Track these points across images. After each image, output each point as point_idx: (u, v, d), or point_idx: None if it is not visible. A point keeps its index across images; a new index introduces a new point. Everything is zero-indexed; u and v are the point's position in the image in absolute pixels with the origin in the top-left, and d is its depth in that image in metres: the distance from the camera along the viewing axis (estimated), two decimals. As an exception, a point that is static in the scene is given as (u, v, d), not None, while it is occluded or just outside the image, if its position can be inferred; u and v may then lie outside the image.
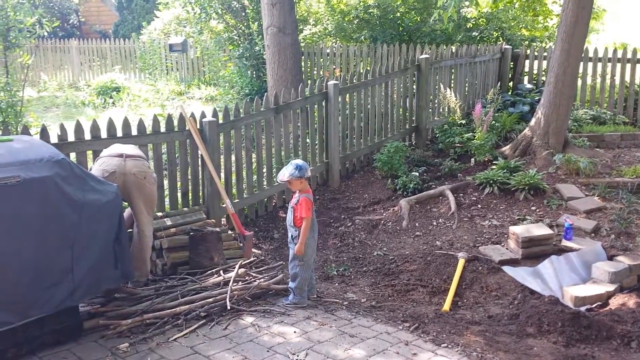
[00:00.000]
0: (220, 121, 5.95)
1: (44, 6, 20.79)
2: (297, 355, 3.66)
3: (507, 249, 5.53)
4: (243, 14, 11.46)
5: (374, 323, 4.17)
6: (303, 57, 11.80)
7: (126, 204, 4.63)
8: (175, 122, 5.71)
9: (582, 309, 4.50)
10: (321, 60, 11.71)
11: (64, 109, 12.68)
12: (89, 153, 5.17)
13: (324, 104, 7.19)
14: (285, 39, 8.73)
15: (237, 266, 4.80)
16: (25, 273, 3.47)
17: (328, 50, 11.66)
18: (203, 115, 5.89)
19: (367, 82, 7.70)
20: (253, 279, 4.72)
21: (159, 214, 5.53)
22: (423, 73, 8.49)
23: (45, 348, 3.69)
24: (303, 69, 11.85)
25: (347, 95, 7.55)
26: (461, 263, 5.19)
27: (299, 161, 4.54)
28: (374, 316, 4.29)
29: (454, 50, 9.22)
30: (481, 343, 3.86)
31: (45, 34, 19.90)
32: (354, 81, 7.54)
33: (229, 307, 4.17)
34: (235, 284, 4.58)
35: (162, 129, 5.58)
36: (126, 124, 5.34)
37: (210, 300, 4.28)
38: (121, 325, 3.90)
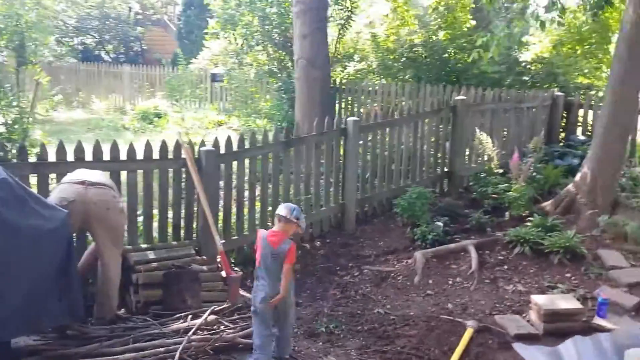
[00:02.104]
0: (222, 151, 5.56)
1: (108, 32, 21.68)
2: None
3: (527, 321, 4.76)
4: (288, 45, 11.23)
5: (345, 398, 3.54)
6: (343, 94, 11.46)
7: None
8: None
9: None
10: (362, 97, 11.27)
11: (106, 131, 12.77)
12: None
13: (342, 141, 6.69)
14: (314, 72, 8.37)
15: (207, 312, 4.30)
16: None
17: (369, 88, 11.23)
18: (202, 143, 5.52)
19: (392, 121, 7.16)
20: (223, 329, 4.19)
21: (144, 246, 5.14)
22: (459, 116, 7.87)
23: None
24: (343, 105, 11.51)
25: (371, 134, 7.02)
26: (468, 333, 4.47)
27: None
28: (348, 389, 3.66)
29: (497, 94, 8.56)
30: None
31: (108, 58, 20.59)
32: (378, 119, 7.02)
33: (175, 362, 3.65)
34: (201, 332, 4.08)
35: (155, 155, 5.23)
36: (114, 147, 5.02)
37: (162, 350, 3.77)
38: (52, 370, 3.45)
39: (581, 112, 9.50)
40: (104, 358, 3.64)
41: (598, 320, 4.68)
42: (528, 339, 4.46)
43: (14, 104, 6.41)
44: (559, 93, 9.49)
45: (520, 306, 5.02)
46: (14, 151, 4.56)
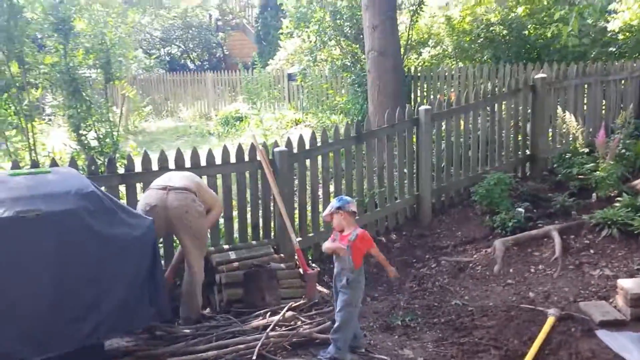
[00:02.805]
0: (295, 151, 5.72)
1: (192, 40, 22.61)
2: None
3: (614, 307, 4.55)
4: (360, 37, 11.23)
5: (420, 390, 3.58)
6: (419, 81, 11.31)
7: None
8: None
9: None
10: (438, 83, 11.07)
11: (193, 137, 13.41)
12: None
13: (414, 131, 6.65)
14: (386, 63, 8.32)
15: (285, 309, 4.47)
16: (43, 307, 3.44)
17: (445, 73, 11.01)
18: (275, 144, 5.70)
19: (467, 107, 7.01)
20: (301, 325, 4.35)
21: (225, 246, 5.42)
22: (539, 95, 7.56)
23: (67, 384, 3.64)
24: (419, 93, 11.36)
25: (444, 121, 6.91)
26: (549, 322, 4.34)
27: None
28: (423, 381, 3.69)
29: (581, 68, 8.12)
30: None
31: (193, 66, 21.48)
32: (452, 106, 6.90)
33: (254, 357, 3.83)
34: (279, 328, 4.26)
35: (232, 159, 5.48)
36: (195, 154, 5.31)
37: (242, 346, 3.98)
38: (144, 368, 3.75)
39: (677, 80, 8.81)
40: (189, 356, 3.90)
41: (692, 305, 4.38)
42: (614, 325, 4.27)
43: (105, 118, 6.92)
44: (651, 62, 8.85)
45: (607, 292, 4.80)
46: (105, 164, 4.92)
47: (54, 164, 4.91)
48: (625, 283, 4.52)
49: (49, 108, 8.99)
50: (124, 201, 4.68)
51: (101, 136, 6.86)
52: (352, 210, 4.07)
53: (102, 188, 4.19)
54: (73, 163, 4.82)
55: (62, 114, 7.82)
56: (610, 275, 5.06)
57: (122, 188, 5.05)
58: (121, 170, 5.21)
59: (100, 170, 5.00)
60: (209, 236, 5.45)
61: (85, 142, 7.03)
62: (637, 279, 4.65)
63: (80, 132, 7.00)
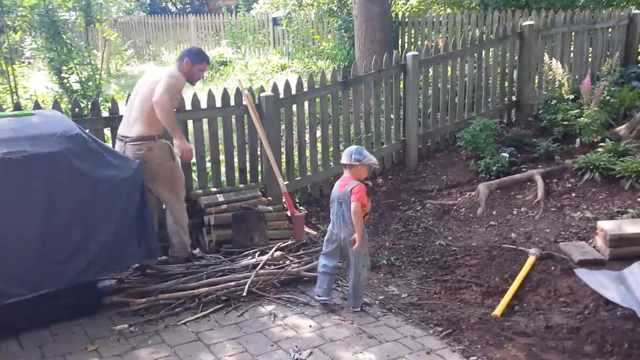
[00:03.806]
0: (281, 96, 5.69)
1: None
2: (300, 354, 3.34)
3: (593, 247, 4.70)
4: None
5: (403, 324, 3.71)
6: (407, 27, 11.18)
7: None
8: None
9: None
10: (425, 30, 10.96)
11: (177, 82, 13.18)
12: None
13: (401, 77, 6.63)
14: (373, 8, 8.19)
15: (273, 249, 4.56)
16: (33, 247, 3.48)
17: (434, 19, 10.88)
18: (262, 89, 5.66)
19: (454, 53, 6.97)
20: (289, 264, 4.45)
21: (214, 189, 5.44)
22: (526, 42, 7.53)
23: (60, 321, 3.71)
24: (407, 39, 11.24)
25: (432, 68, 6.89)
26: (530, 261, 4.49)
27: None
28: (407, 316, 3.82)
29: (569, 16, 8.08)
30: (520, 360, 3.26)
31: (175, 10, 20.86)
32: (439, 52, 6.87)
33: (244, 294, 3.93)
34: (268, 267, 4.35)
35: (218, 104, 5.44)
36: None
37: (232, 283, 4.07)
38: (135, 303, 3.83)
39: (663, 28, 8.82)
40: (180, 293, 3.98)
41: (669, 244, 4.54)
42: (593, 264, 4.41)
43: (86, 61, 6.77)
44: (637, 11, 8.82)
45: (587, 233, 4.95)
46: (89, 107, 4.85)
47: (37, 106, 4.84)
48: (605, 224, 4.65)
49: (28, 51, 8.77)
50: (109, 144, 4.65)
51: (83, 79, 6.74)
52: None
53: (87, 131, 4.16)
54: (57, 106, 4.75)
55: (43, 57, 7.64)
56: (591, 218, 5.20)
57: (107, 131, 5.01)
58: (105, 113, 5.15)
59: (84, 113, 4.93)
60: (196, 179, 5.48)
61: (68, 85, 6.91)
62: (617, 221, 4.79)
63: (62, 75, 6.86)
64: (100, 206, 3.70)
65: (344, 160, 3.96)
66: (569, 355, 3.33)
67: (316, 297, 3.96)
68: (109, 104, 5.05)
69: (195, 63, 4.61)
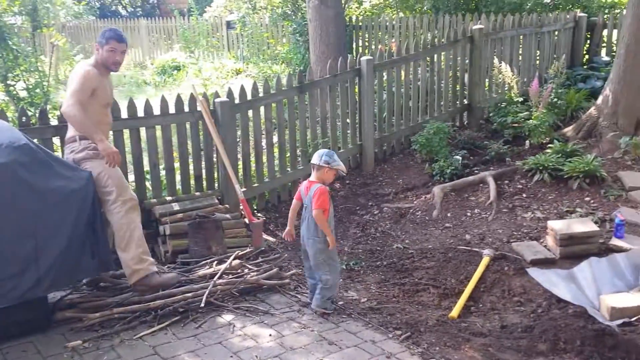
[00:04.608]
0: (237, 101, 5.65)
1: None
2: (261, 364, 3.32)
3: (544, 246, 4.84)
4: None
5: (363, 329, 3.73)
6: (360, 31, 11.28)
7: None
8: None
9: (618, 322, 3.80)
10: (379, 33, 11.08)
11: (128, 87, 12.92)
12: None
13: (356, 81, 6.68)
14: (327, 12, 8.24)
15: (231, 258, 4.51)
16: (-21, 263, 3.35)
17: (387, 23, 11.01)
18: (216, 95, 5.61)
19: (407, 57, 7.08)
20: (247, 272, 4.41)
21: (168, 198, 5.35)
22: (477, 45, 7.71)
23: (10, 339, 3.58)
24: (360, 43, 11.34)
25: (385, 72, 6.97)
26: (484, 262, 4.59)
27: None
28: (366, 320, 3.84)
29: (517, 20, 8.31)
30: (478, 360, 3.33)
31: (125, 13, 20.43)
32: (393, 56, 6.95)
33: (202, 304, 3.88)
34: (226, 277, 4.30)
35: (172, 110, 5.35)
36: (132, 105, 5.15)
37: (190, 295, 4.01)
38: (89, 318, 3.72)
39: (605, 32, 9.18)
40: (136, 306, 3.89)
41: (615, 241, 4.72)
42: (544, 263, 4.55)
43: (33, 68, 6.55)
44: (582, 14, 9.16)
45: (538, 233, 5.09)
46: (37, 115, 4.69)
47: (-19, 116, 4.65)
48: (555, 224, 4.80)
49: (-29, 57, 8.41)
50: (58, 154, 4.51)
51: (30, 86, 6.51)
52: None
53: (35, 140, 4.03)
54: (2, 115, 4.58)
55: (-13, 64, 7.35)
56: (541, 218, 5.36)
57: (57, 140, 4.85)
58: (54, 122, 5.00)
59: (32, 122, 4.76)
60: (150, 187, 5.37)
61: (14, 93, 6.66)
62: (566, 221, 4.94)
63: (8, 82, 6.61)
64: (50, 219, 3.59)
65: (314, 160, 3.99)
66: (524, 354, 3.42)
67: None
68: (58, 112, 4.90)
69: (103, 44, 4.14)
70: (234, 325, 3.77)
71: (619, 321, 3.81)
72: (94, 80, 4.04)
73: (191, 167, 5.57)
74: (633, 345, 3.37)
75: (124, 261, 3.99)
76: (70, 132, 4.15)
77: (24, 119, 4.65)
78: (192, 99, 5.38)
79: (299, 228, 4.05)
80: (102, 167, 3.99)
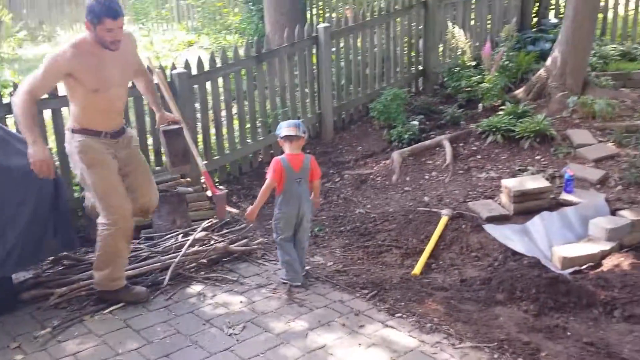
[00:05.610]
0: (194, 73, 5.59)
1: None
2: (233, 329, 3.40)
3: (499, 204, 5.05)
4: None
5: (331, 290, 3.85)
6: None
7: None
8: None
9: (569, 271, 4.05)
10: (333, 1, 11.04)
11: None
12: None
13: (314, 50, 6.70)
14: (280, -20, 8.15)
15: (199, 229, 4.55)
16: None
17: (340, -10, 10.96)
18: (173, 67, 5.54)
19: (364, 24, 7.11)
20: (214, 243, 4.45)
21: (129, 173, 5.29)
22: (430, 11, 7.81)
23: (-23, 321, 3.55)
24: (315, 11, 11.27)
25: (342, 39, 7.00)
26: (443, 221, 4.76)
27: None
28: (334, 282, 3.97)
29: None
30: (440, 312, 3.50)
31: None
32: (349, 23, 6.98)
33: (167, 276, 3.92)
34: (192, 247, 4.34)
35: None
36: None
37: (158, 265, 4.04)
38: (56, 293, 3.71)
39: (553, -6, 9.42)
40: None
41: (565, 196, 4.97)
42: (499, 220, 4.76)
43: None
44: (530, -23, 9.34)
45: (493, 191, 5.30)
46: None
47: None
48: (508, 182, 5.01)
49: None
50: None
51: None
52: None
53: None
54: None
55: None
56: (495, 177, 5.57)
57: (10, 120, 4.73)
58: (6, 100, 4.86)
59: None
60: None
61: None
62: (519, 178, 5.16)
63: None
64: (11, 197, 3.53)
65: (290, 132, 3.80)
66: (483, 304, 3.61)
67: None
68: (9, 90, 4.77)
69: (95, 24, 3.43)
70: (205, 295, 3.83)
71: (570, 270, 4.06)
72: (65, 65, 3.43)
73: (150, 141, 5.52)
74: (584, 291, 3.61)
75: (95, 277, 3.75)
76: (69, 122, 3.77)
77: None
78: (149, 71, 5.29)
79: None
80: (79, 169, 3.64)
